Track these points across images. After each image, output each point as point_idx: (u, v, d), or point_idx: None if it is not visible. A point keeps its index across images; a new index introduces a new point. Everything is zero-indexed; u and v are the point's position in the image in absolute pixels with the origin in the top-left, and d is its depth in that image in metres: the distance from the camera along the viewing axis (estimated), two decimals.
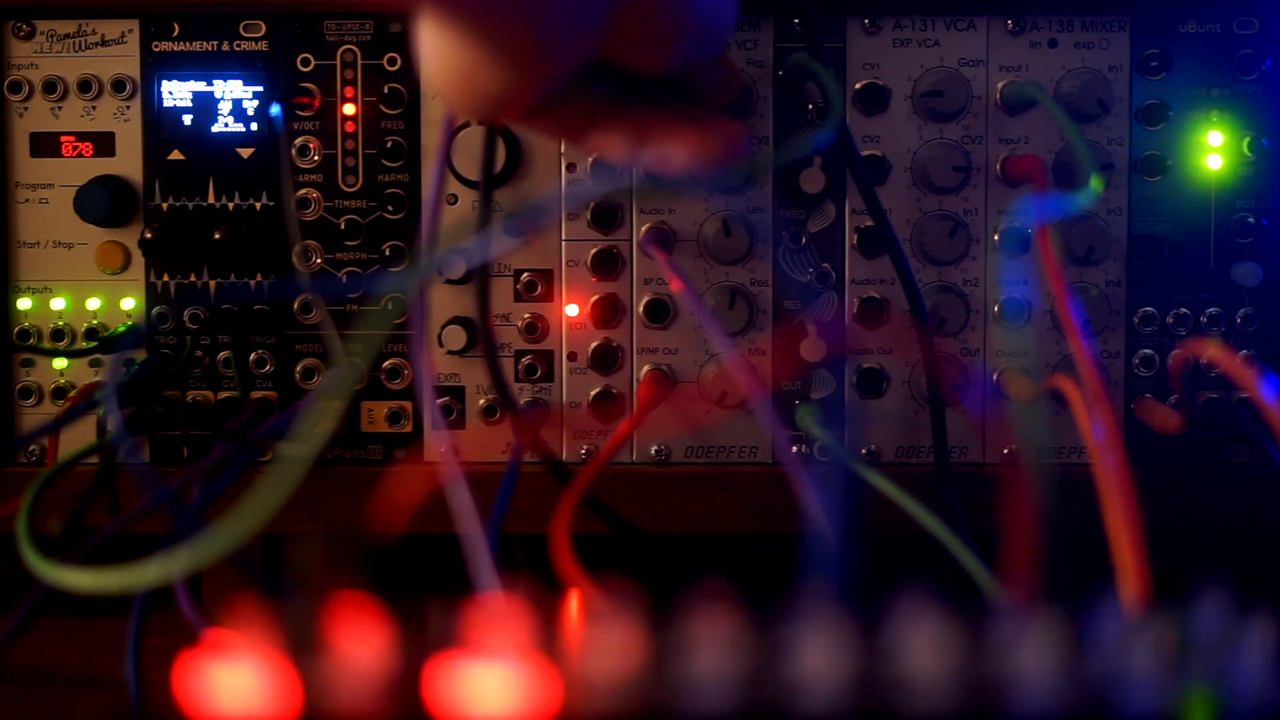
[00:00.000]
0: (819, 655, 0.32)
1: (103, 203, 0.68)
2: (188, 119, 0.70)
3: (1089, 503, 0.44)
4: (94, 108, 0.70)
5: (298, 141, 0.69)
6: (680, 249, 0.69)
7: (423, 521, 0.55)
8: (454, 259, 0.66)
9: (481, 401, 0.70)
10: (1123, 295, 0.69)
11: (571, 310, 0.70)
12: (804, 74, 0.67)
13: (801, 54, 0.67)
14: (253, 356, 0.70)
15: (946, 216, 0.69)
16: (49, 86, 0.69)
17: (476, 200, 0.68)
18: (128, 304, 0.70)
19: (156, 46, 0.69)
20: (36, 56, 0.70)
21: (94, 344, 0.70)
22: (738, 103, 0.68)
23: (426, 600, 0.33)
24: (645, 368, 0.70)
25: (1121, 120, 0.68)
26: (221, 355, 0.70)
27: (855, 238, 0.69)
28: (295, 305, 0.70)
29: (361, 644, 0.32)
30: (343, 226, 0.70)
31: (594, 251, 0.69)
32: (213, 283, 0.70)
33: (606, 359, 0.69)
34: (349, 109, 0.69)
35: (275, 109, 0.69)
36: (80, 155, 0.70)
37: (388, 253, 0.69)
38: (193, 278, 0.70)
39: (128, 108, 0.70)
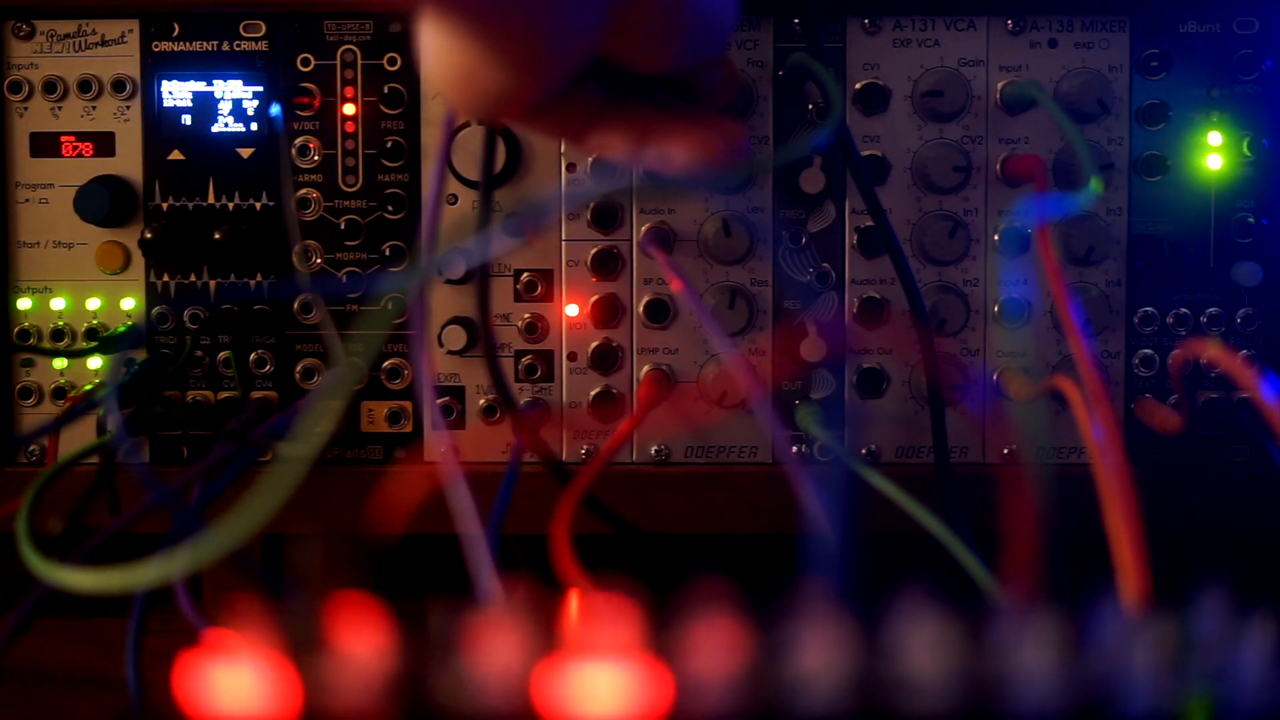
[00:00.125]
0: (819, 655, 0.32)
1: (103, 203, 0.68)
2: (188, 119, 0.70)
3: (1089, 503, 0.43)
4: (94, 108, 0.70)
5: (298, 141, 0.69)
6: (680, 249, 0.69)
7: (423, 521, 0.55)
8: (454, 259, 0.66)
9: (481, 401, 0.70)
10: (1123, 295, 0.69)
11: (571, 310, 0.70)
12: (804, 74, 0.67)
13: (801, 54, 0.67)
14: (253, 356, 0.70)
15: (946, 216, 0.69)
16: (49, 86, 0.69)
17: (476, 200, 0.68)
18: (128, 304, 0.70)
19: (156, 46, 0.70)
20: (36, 56, 0.70)
21: (94, 344, 0.70)
22: (738, 103, 0.68)
23: (427, 600, 0.33)
24: (645, 368, 0.70)
25: (1121, 120, 0.68)
26: (221, 355, 0.70)
27: (855, 238, 0.69)
28: (295, 305, 0.70)
29: (361, 644, 0.32)
30: (343, 226, 0.70)
31: (594, 251, 0.69)
32: (213, 283, 0.70)
33: (606, 359, 0.69)
34: (349, 109, 0.69)
35: (275, 109, 0.69)
36: (80, 155, 0.70)
37: (388, 253, 0.69)
38: (193, 278, 0.70)
39: (128, 108, 0.70)
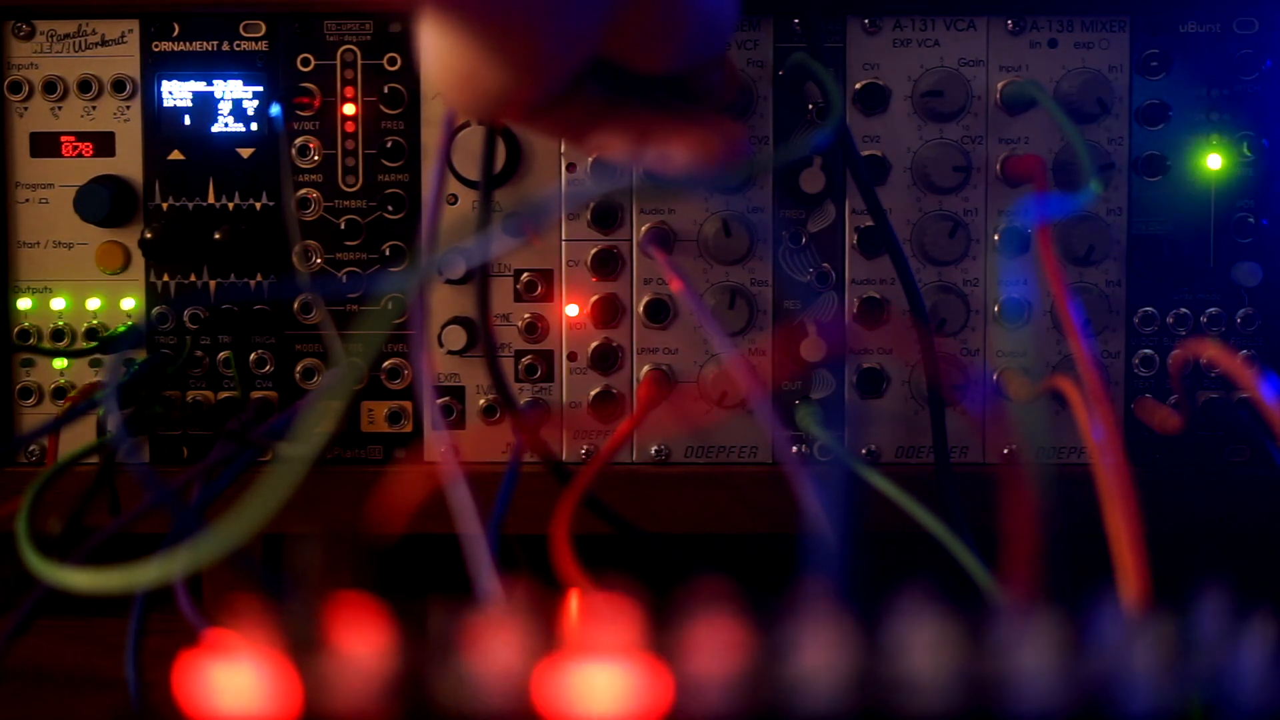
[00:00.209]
0: (819, 655, 0.32)
1: (103, 203, 0.68)
2: (188, 119, 0.70)
3: (1089, 503, 0.44)
4: (94, 108, 0.70)
5: (298, 141, 0.69)
6: (680, 249, 0.69)
7: (423, 521, 0.55)
8: (454, 259, 0.66)
9: (481, 401, 0.70)
10: (1123, 295, 0.69)
11: (571, 310, 0.70)
12: (804, 74, 0.67)
13: (801, 54, 0.67)
14: (253, 356, 0.70)
15: (946, 216, 0.69)
16: (49, 86, 0.69)
17: (476, 200, 0.68)
18: (128, 304, 0.70)
19: (156, 46, 0.70)
20: (36, 56, 0.70)
21: (94, 344, 0.70)
22: (738, 103, 0.68)
23: (427, 600, 0.33)
24: (645, 368, 0.70)
25: (1121, 120, 0.68)
26: (221, 355, 0.70)
27: (855, 238, 0.69)
28: (295, 305, 0.70)
29: (361, 644, 0.32)
30: (343, 226, 0.70)
31: (594, 251, 0.69)
32: (213, 283, 0.70)
33: (606, 359, 0.69)
34: (349, 109, 0.69)
35: (275, 109, 0.69)
36: (80, 155, 0.70)
37: (388, 253, 0.69)
38: (193, 278, 0.70)
39: (128, 108, 0.70)
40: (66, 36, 0.69)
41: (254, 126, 0.70)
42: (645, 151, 0.52)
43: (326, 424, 0.65)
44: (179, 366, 0.70)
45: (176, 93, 0.70)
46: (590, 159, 0.68)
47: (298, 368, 0.70)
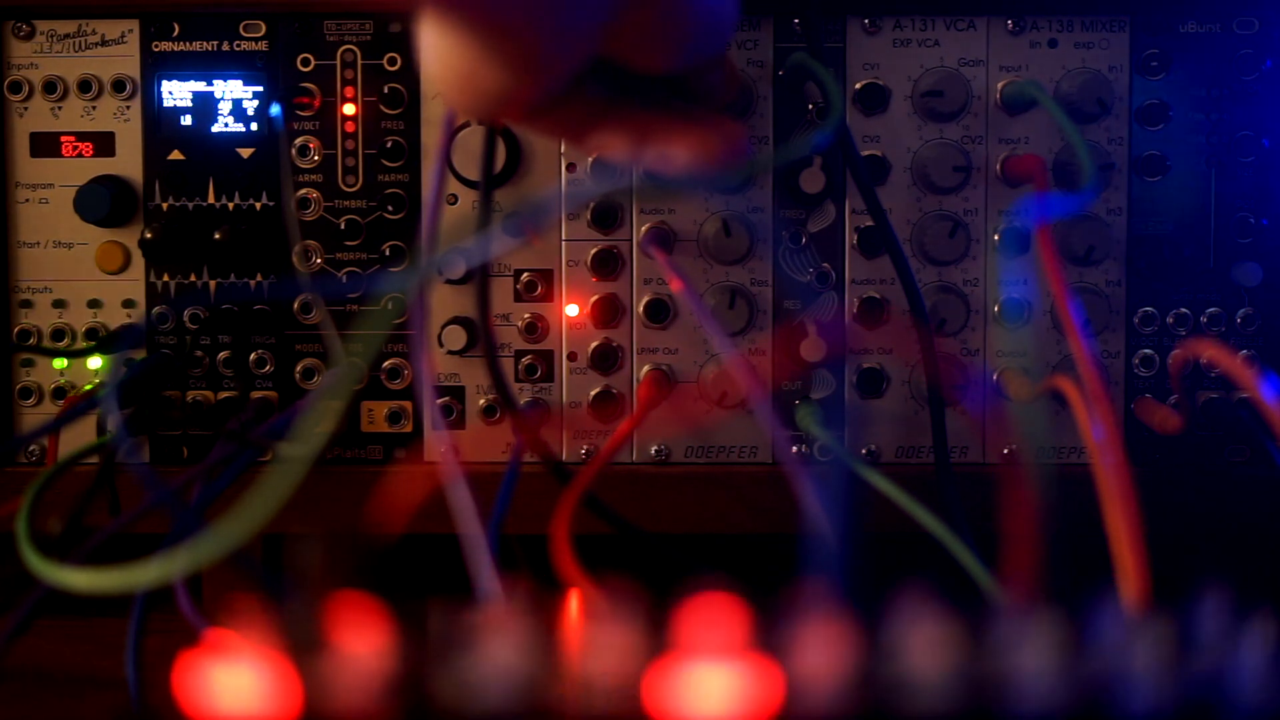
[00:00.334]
0: (818, 655, 0.32)
1: (103, 203, 0.68)
2: (188, 119, 0.70)
3: (1089, 503, 0.44)
4: (94, 108, 0.70)
5: (298, 141, 0.69)
6: (680, 249, 0.69)
7: (423, 521, 0.55)
8: (454, 259, 0.66)
9: (481, 401, 0.70)
10: (1123, 295, 0.69)
11: (571, 310, 0.70)
12: (804, 74, 0.67)
13: (801, 54, 0.67)
14: (253, 356, 0.70)
15: (946, 216, 0.69)
16: (49, 86, 0.69)
17: (476, 200, 0.68)
18: (128, 304, 0.70)
19: (156, 46, 0.69)
20: (36, 56, 0.70)
21: (94, 344, 0.70)
22: (738, 103, 0.68)
23: (427, 600, 0.33)
24: (645, 368, 0.70)
25: (1121, 120, 0.68)
26: (221, 355, 0.70)
27: (855, 238, 0.69)
28: (295, 305, 0.70)
29: (361, 644, 0.32)
30: (343, 226, 0.70)
31: (594, 251, 0.69)
32: (213, 283, 0.70)
33: (606, 359, 0.69)
34: (349, 109, 0.69)
35: (275, 109, 0.69)
36: (80, 155, 0.70)
37: (388, 253, 0.69)
38: (193, 278, 0.70)
39: (128, 108, 0.70)
40: (66, 36, 0.69)
41: (254, 126, 0.70)
42: (645, 151, 0.52)
43: (326, 424, 0.65)
44: (179, 366, 0.70)
45: (176, 93, 0.70)
46: (590, 159, 0.68)
47: (298, 368, 0.70)
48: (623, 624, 0.32)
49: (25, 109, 0.70)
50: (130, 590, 0.53)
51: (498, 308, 0.70)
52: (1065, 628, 0.32)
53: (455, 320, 0.69)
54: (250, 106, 0.69)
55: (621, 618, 0.32)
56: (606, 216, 0.69)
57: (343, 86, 0.69)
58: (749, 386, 0.66)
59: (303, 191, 0.70)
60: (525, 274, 0.69)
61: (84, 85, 0.69)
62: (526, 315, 0.69)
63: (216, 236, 0.68)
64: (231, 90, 0.69)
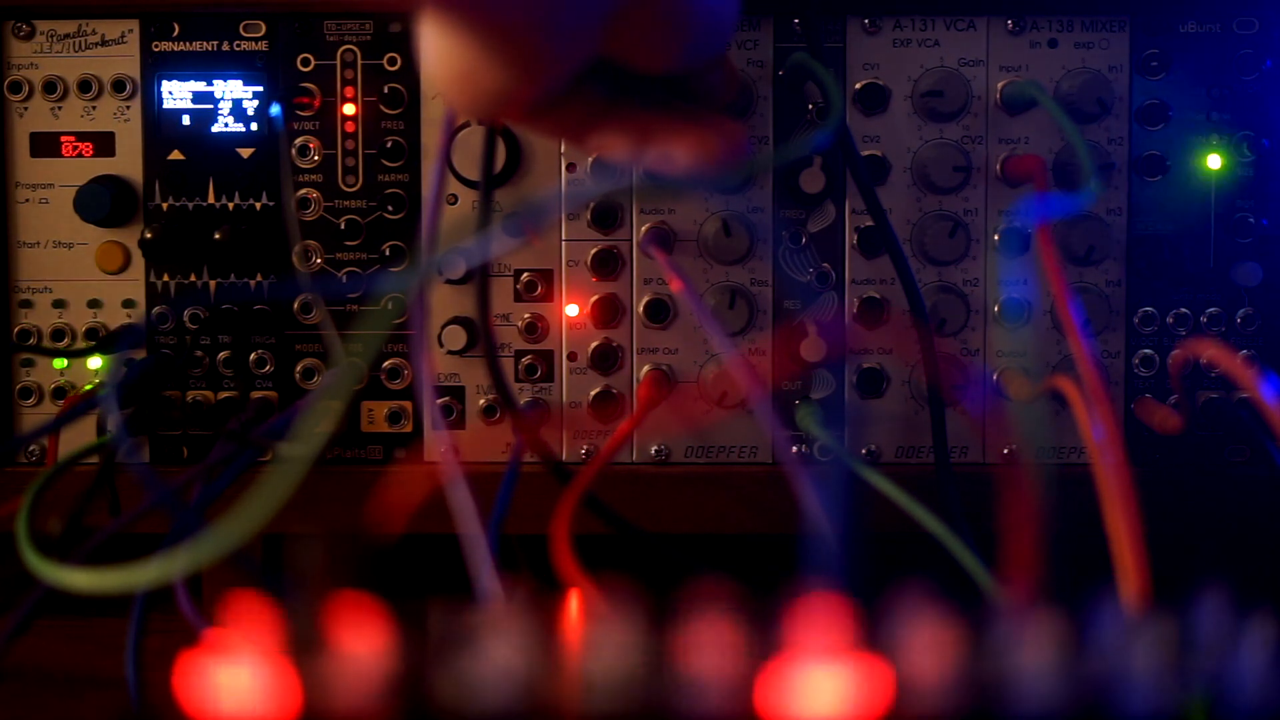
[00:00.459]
0: (818, 655, 0.32)
1: (103, 203, 0.68)
2: (188, 119, 0.70)
3: (1089, 503, 0.44)
4: (94, 108, 0.70)
5: (298, 141, 0.69)
6: (680, 249, 0.69)
7: (423, 521, 0.55)
8: (454, 259, 0.66)
9: (481, 401, 0.70)
10: (1123, 295, 0.69)
11: (571, 310, 0.70)
12: (804, 74, 0.67)
13: (801, 54, 0.67)
14: (253, 356, 0.70)
15: (946, 216, 0.69)
16: (49, 86, 0.69)
17: (476, 200, 0.68)
18: (128, 304, 0.70)
19: (156, 46, 0.69)
20: (36, 56, 0.70)
21: (94, 344, 0.70)
22: (738, 103, 0.68)
23: (427, 600, 0.33)
24: (645, 368, 0.70)
25: (1121, 120, 0.68)
26: (221, 355, 0.70)
27: (855, 238, 0.69)
28: (295, 305, 0.70)
29: (361, 644, 0.32)
30: (343, 226, 0.70)
31: (594, 251, 0.69)
32: (213, 283, 0.70)
33: (606, 359, 0.69)
34: (349, 109, 0.69)
35: (275, 109, 0.69)
36: (80, 155, 0.70)
37: (388, 253, 0.69)
38: (193, 278, 0.70)
39: (128, 108, 0.70)
40: (66, 36, 0.69)
41: (254, 126, 0.70)
42: (645, 152, 0.52)
43: (326, 424, 0.65)
44: (179, 366, 0.69)
45: (176, 93, 0.70)
46: (590, 159, 0.68)
47: (298, 368, 0.70)
48: (630, 624, 0.32)
49: (25, 109, 0.70)
50: (130, 590, 0.53)
51: (498, 308, 0.70)
52: (1065, 628, 0.32)
53: (455, 320, 0.69)
54: (250, 106, 0.69)
55: (626, 617, 0.32)
56: (606, 216, 0.69)
57: (343, 86, 0.69)
58: (749, 386, 0.66)
59: (303, 191, 0.70)
60: (525, 274, 0.69)
61: (84, 85, 0.69)
62: (526, 315, 0.69)
63: (216, 236, 0.68)
64: (231, 90, 0.69)
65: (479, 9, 0.43)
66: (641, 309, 0.69)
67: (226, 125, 0.70)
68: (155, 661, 0.54)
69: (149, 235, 0.68)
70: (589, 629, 0.32)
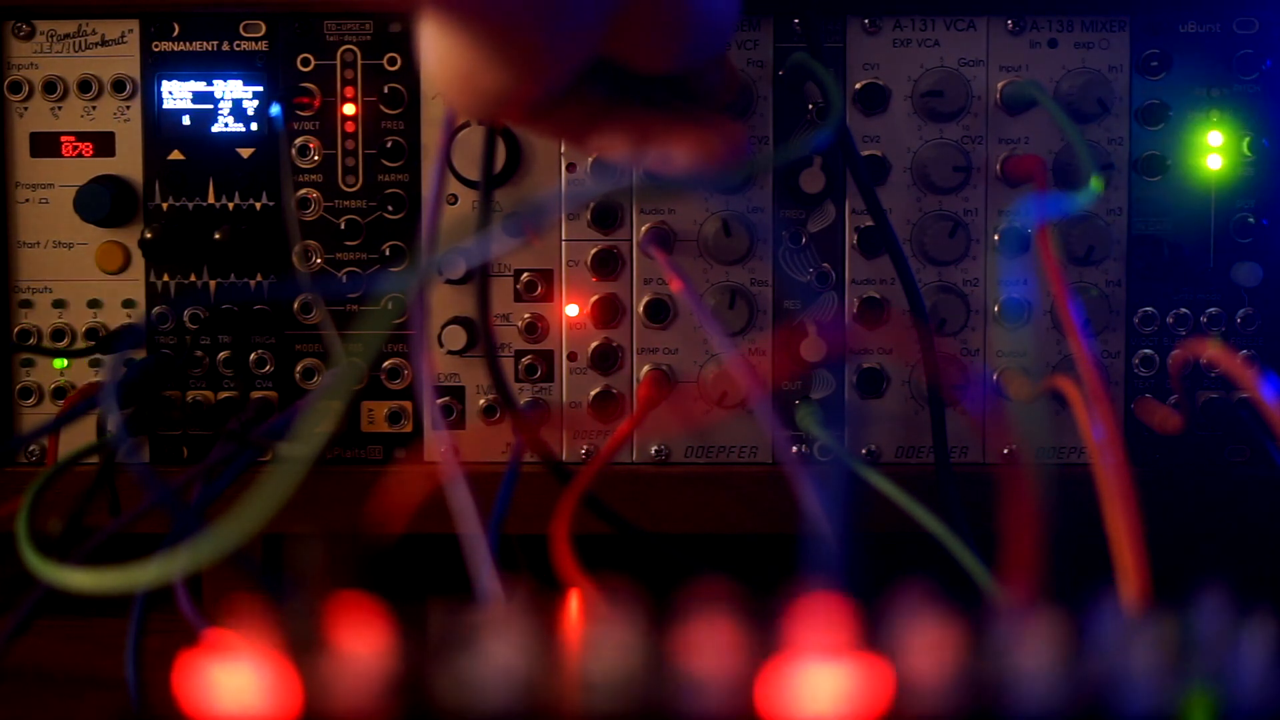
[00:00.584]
0: (818, 655, 0.32)
1: (103, 203, 0.68)
2: (188, 119, 0.70)
3: (1089, 503, 0.44)
4: (94, 108, 0.70)
5: (298, 141, 0.69)
6: (680, 249, 0.69)
7: (423, 521, 0.55)
8: (454, 259, 0.66)
9: (481, 401, 0.70)
10: (1123, 295, 0.69)
11: (571, 310, 0.70)
12: (804, 74, 0.67)
13: (801, 54, 0.67)
14: (253, 356, 0.70)
15: (946, 216, 0.69)
16: (49, 86, 0.69)
17: (476, 200, 0.68)
18: (128, 304, 0.70)
19: (156, 46, 0.69)
20: (36, 56, 0.70)
21: (94, 344, 0.70)
22: (738, 103, 0.68)
23: (427, 600, 0.33)
24: (645, 368, 0.70)
25: (1121, 120, 0.68)
26: (221, 355, 0.70)
27: (855, 238, 0.69)
28: (295, 305, 0.70)
29: (361, 644, 0.32)
30: (343, 226, 0.70)
31: (594, 251, 0.69)
32: (213, 283, 0.70)
33: (606, 359, 0.69)
34: (349, 109, 0.69)
35: (275, 109, 0.69)
36: (80, 155, 0.70)
37: (388, 253, 0.69)
38: (193, 278, 0.70)
39: (128, 108, 0.70)
40: (66, 36, 0.69)
41: (254, 126, 0.70)
42: (646, 152, 0.52)
43: (326, 424, 0.65)
44: (179, 366, 0.69)
45: (176, 93, 0.70)
46: (590, 159, 0.68)
47: (298, 368, 0.70)
48: (630, 624, 0.32)
49: (25, 109, 0.70)
50: (130, 590, 0.53)
51: (498, 308, 0.70)
52: (1065, 628, 0.32)
53: (455, 320, 0.69)
54: (250, 106, 0.69)
55: (626, 617, 0.32)
56: (606, 216, 0.69)
57: (343, 86, 0.69)
58: (749, 386, 0.66)
59: (303, 191, 0.70)
60: (525, 274, 0.69)
61: (84, 85, 0.69)
62: (526, 315, 0.69)
63: (216, 236, 0.68)
64: (231, 90, 0.69)
65: (479, 9, 0.43)
66: (641, 309, 0.69)
67: (226, 125, 0.70)
68: (155, 661, 0.54)
69: (149, 235, 0.68)
70: (589, 629, 0.32)
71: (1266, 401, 0.50)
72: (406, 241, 0.69)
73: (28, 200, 0.70)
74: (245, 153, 0.70)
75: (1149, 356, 0.69)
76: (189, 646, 0.32)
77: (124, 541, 0.55)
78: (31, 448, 0.70)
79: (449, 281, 0.69)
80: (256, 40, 0.69)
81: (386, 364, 0.70)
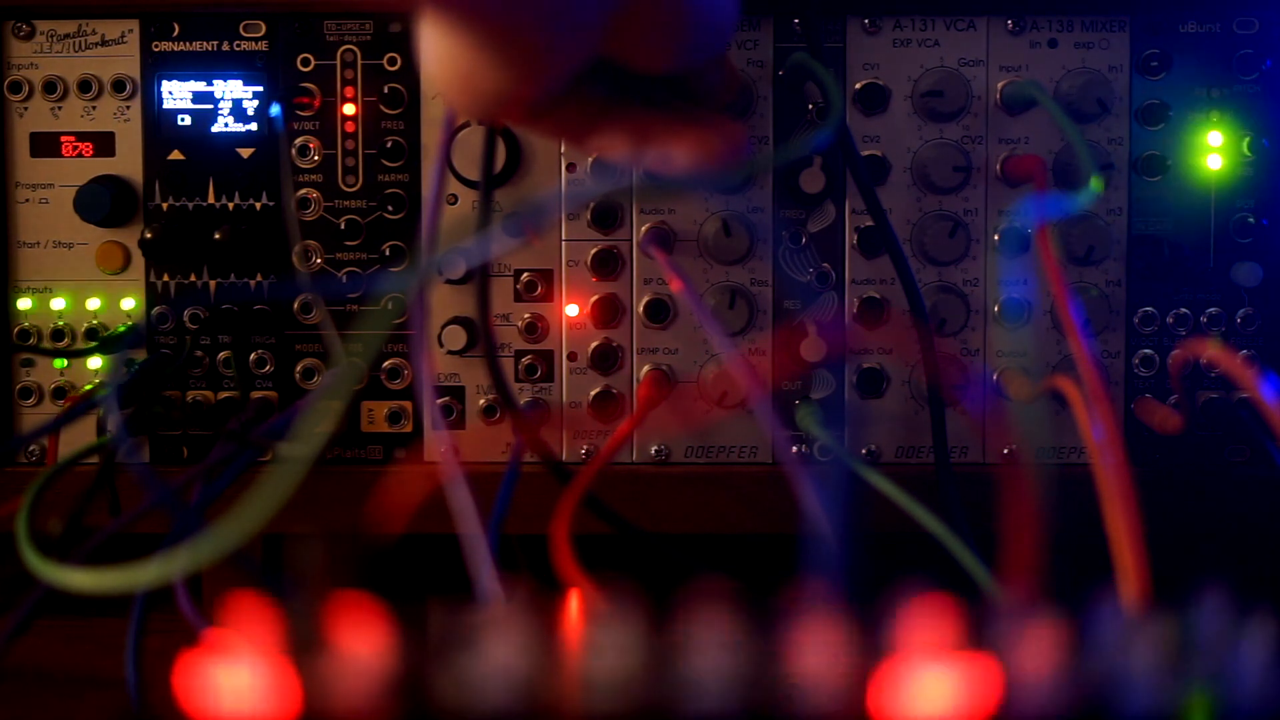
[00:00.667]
0: (818, 655, 0.32)
1: (103, 203, 0.68)
2: (188, 119, 0.70)
3: (1089, 503, 0.44)
4: (94, 108, 0.70)
5: (298, 141, 0.69)
6: (680, 249, 0.69)
7: (423, 521, 0.55)
8: (454, 259, 0.66)
9: (481, 401, 0.70)
10: (1123, 295, 0.69)
11: (571, 310, 0.70)
12: (804, 74, 0.67)
13: (801, 54, 0.67)
14: (253, 356, 0.70)
15: (946, 216, 0.69)
16: (49, 86, 0.69)
17: (476, 200, 0.68)
18: (128, 304, 0.70)
19: (156, 46, 0.69)
20: (36, 56, 0.70)
21: (94, 344, 0.70)
22: (738, 103, 0.68)
23: (427, 600, 0.33)
24: (645, 368, 0.70)
25: (1121, 120, 0.68)
26: (221, 355, 0.70)
27: (855, 238, 0.69)
28: (295, 305, 0.70)
29: (361, 644, 0.32)
30: (343, 226, 0.70)
31: (594, 251, 0.69)
32: (213, 283, 0.70)
33: (606, 359, 0.69)
34: (349, 109, 0.69)
35: (275, 109, 0.69)
36: (80, 155, 0.70)
37: (388, 253, 0.69)
38: (193, 278, 0.70)
39: (128, 108, 0.70)
40: (66, 36, 0.69)
41: (254, 126, 0.70)
42: (646, 152, 0.52)
43: (326, 424, 0.65)
44: (179, 366, 0.69)
45: (176, 93, 0.70)
46: (590, 159, 0.68)
47: (298, 368, 0.70)
48: (630, 624, 0.32)
49: (25, 109, 0.70)
50: (130, 590, 0.53)
51: (498, 308, 0.70)
52: (1065, 628, 0.32)
53: (455, 320, 0.69)
54: (250, 106, 0.69)
55: (626, 618, 0.32)
56: (606, 216, 0.69)
57: (343, 86, 0.69)
58: (749, 386, 0.66)
59: (303, 191, 0.70)
60: (525, 274, 0.69)
61: (84, 85, 0.69)
62: (526, 315, 0.69)
63: (216, 236, 0.68)
64: (231, 90, 0.69)
65: (479, 9, 0.43)
66: (641, 309, 0.69)
67: (226, 125, 0.70)
68: (155, 661, 0.54)
69: (149, 235, 0.68)
70: (589, 629, 0.32)
71: (1266, 401, 0.50)
72: (406, 241, 0.69)
73: (28, 200, 0.70)
74: (245, 153, 0.70)
75: (1149, 356, 0.69)
76: (189, 646, 0.32)
77: (124, 541, 0.55)
78: (31, 448, 0.70)
79: (449, 281, 0.69)
80: (256, 40, 0.69)
81: (386, 364, 0.70)
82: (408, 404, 0.70)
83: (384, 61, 0.69)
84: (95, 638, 0.65)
